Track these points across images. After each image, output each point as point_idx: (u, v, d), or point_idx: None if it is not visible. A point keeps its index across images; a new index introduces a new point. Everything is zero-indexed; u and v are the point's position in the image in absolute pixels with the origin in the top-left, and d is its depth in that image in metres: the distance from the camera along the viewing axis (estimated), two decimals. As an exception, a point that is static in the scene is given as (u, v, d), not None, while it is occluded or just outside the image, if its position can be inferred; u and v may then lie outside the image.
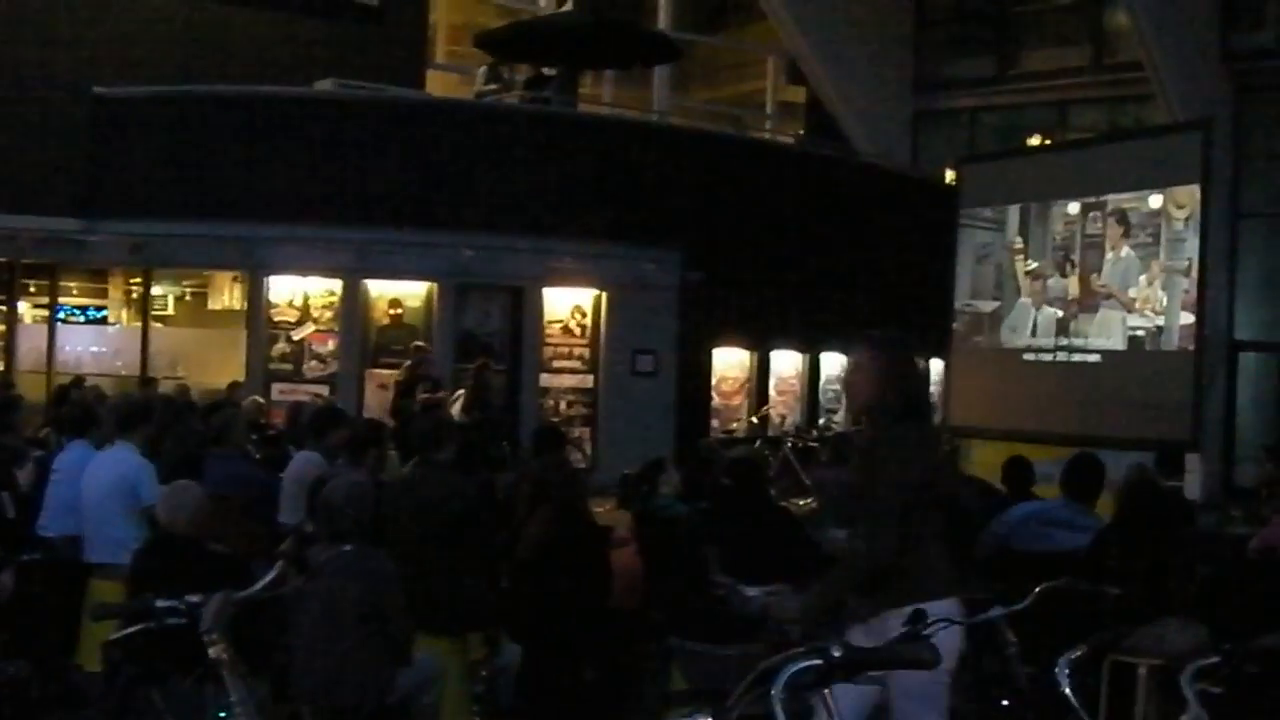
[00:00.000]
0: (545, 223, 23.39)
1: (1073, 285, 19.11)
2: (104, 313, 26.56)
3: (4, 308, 23.72)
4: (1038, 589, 7.66)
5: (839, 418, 27.15)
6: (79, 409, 12.87)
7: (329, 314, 22.74)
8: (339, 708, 7.29)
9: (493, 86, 25.68)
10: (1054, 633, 7.14)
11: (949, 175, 26.98)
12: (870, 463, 6.54)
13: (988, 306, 20.42)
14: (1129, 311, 18.41)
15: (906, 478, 6.32)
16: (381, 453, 11.43)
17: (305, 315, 22.86)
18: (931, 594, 6.14)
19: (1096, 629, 7.03)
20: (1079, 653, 6.16)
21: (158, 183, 22.29)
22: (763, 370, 26.66)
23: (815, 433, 24.80)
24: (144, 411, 11.39)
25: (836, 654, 4.18)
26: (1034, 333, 19.59)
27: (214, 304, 26.03)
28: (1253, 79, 27.10)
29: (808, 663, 4.18)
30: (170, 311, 26.52)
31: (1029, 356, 19.63)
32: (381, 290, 23.22)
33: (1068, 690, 6.00)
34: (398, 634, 7.45)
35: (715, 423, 25.92)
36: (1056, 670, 6.06)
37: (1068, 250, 19.32)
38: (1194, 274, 17.63)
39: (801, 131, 32.32)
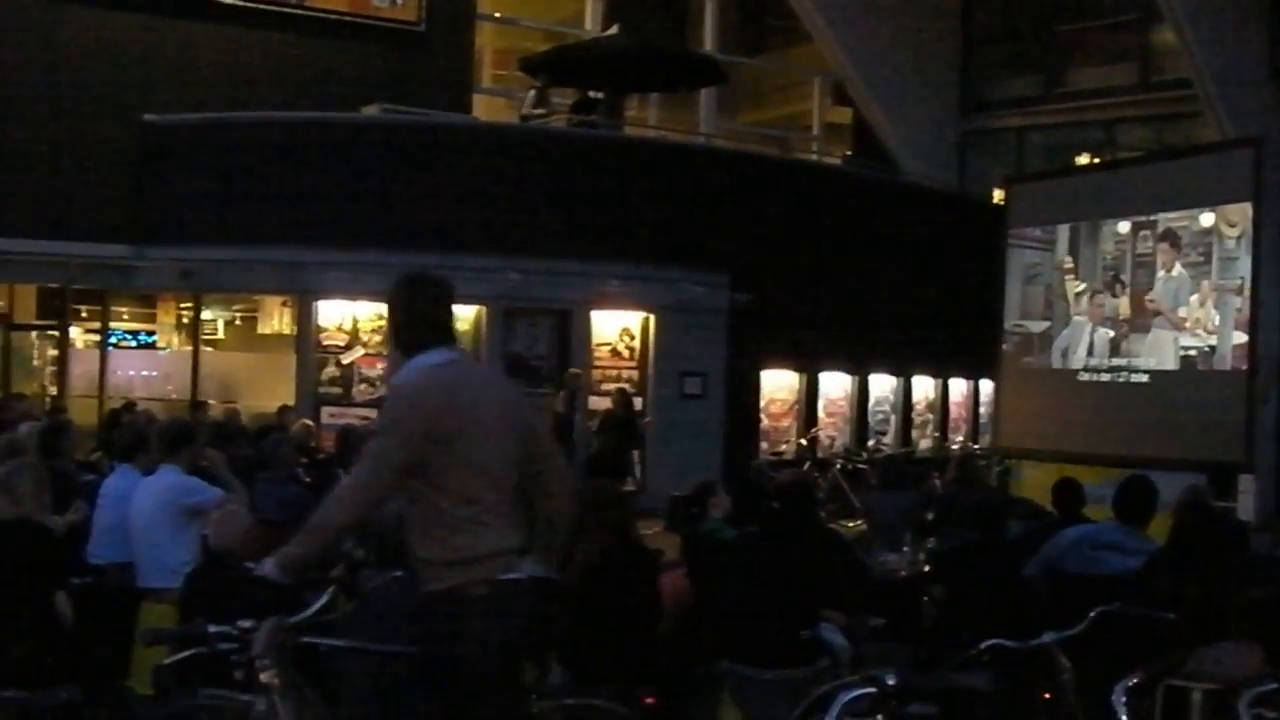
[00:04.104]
0: (592, 246, 23.43)
1: (1124, 305, 19.00)
2: (154, 337, 26.75)
3: (56, 333, 23.99)
4: (1092, 614, 7.56)
5: (888, 439, 27.14)
6: (130, 433, 12.84)
7: (378, 338, 22.75)
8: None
9: (539, 110, 25.68)
10: (1107, 658, 7.06)
11: (997, 195, 26.90)
12: None
13: (1038, 327, 20.31)
14: (1180, 331, 18.28)
15: None
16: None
17: (354, 339, 22.93)
18: None
19: (1149, 654, 6.94)
20: (1136, 679, 6.09)
21: (207, 208, 22.41)
22: (811, 392, 26.64)
23: (865, 454, 24.79)
24: (188, 434, 11.33)
25: (891, 682, 4.16)
26: (1090, 352, 19.48)
27: (263, 328, 26.13)
28: (1303, 95, 26.92)
29: (861, 690, 4.16)
30: (220, 336, 26.64)
31: (1084, 377, 19.50)
32: (430, 314, 23.17)
33: (1125, 718, 5.93)
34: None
35: (764, 445, 25.93)
36: (1114, 697, 5.99)
37: (1118, 270, 19.22)
38: (1246, 293, 17.49)
39: (848, 153, 32.25)
